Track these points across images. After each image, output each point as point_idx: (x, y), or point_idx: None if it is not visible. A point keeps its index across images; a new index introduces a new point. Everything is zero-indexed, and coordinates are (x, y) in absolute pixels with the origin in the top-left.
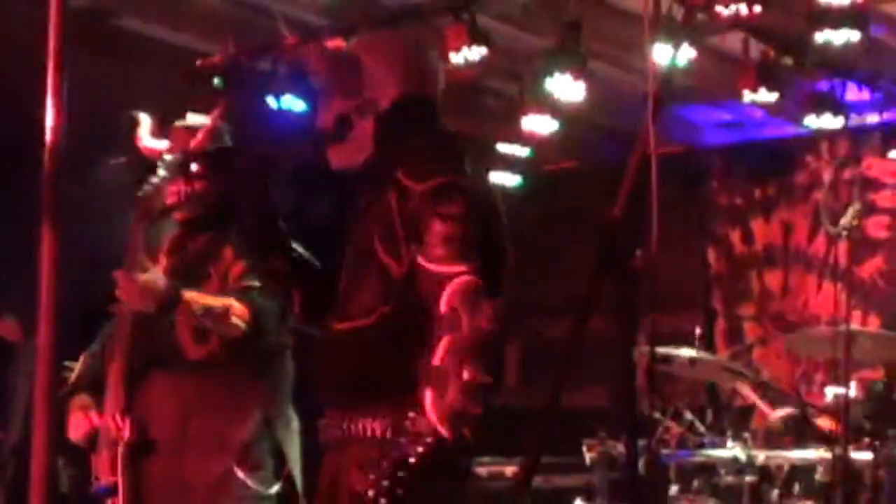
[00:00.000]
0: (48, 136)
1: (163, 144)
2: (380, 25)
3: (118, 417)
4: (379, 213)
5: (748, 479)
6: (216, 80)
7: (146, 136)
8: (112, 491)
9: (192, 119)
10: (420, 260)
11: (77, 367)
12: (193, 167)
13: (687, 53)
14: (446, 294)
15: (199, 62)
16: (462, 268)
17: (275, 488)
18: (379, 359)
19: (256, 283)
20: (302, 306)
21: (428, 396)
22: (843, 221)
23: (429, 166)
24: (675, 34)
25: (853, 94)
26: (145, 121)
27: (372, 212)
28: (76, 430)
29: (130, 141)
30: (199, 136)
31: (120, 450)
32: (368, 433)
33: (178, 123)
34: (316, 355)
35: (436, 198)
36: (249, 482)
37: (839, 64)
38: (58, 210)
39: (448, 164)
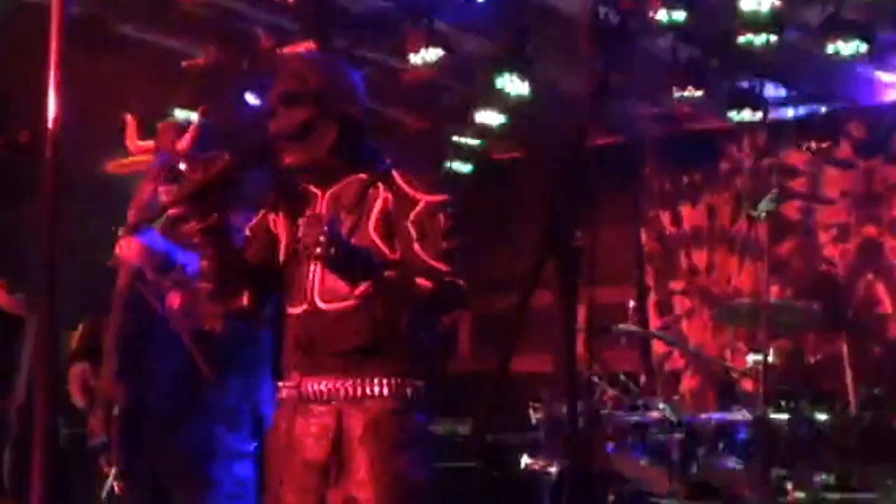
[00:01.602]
0: (49, 129)
1: (149, 143)
2: (347, 30)
3: (113, 381)
4: (367, 207)
5: (677, 436)
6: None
7: (133, 136)
8: (106, 447)
9: (180, 116)
10: (418, 251)
11: (77, 336)
12: (182, 167)
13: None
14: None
15: (184, 63)
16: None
17: (253, 446)
18: (380, 329)
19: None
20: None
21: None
22: (762, 205)
23: (428, 181)
24: (611, 38)
25: (771, 91)
26: (131, 123)
27: (352, 204)
28: (76, 393)
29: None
30: (187, 135)
31: (114, 411)
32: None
33: (167, 122)
34: (307, 328)
35: (443, 210)
36: (232, 441)
37: (759, 64)
38: (57, 197)
39: (441, 183)
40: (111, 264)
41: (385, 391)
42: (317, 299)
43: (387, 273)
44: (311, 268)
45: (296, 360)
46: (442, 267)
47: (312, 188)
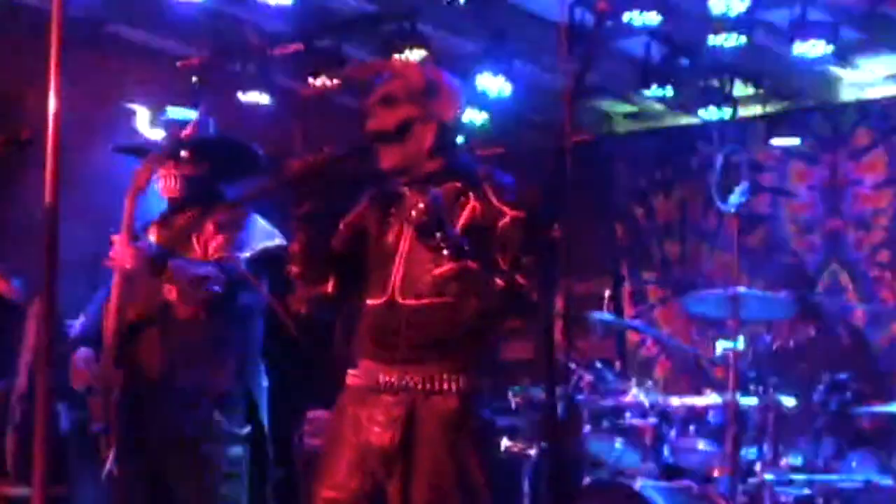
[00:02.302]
0: (50, 124)
1: (156, 133)
2: (334, 31)
3: (112, 365)
4: (456, 214)
5: (650, 420)
6: (193, 79)
7: (143, 125)
8: (106, 431)
9: (181, 113)
10: (499, 259)
11: (79, 323)
12: (183, 154)
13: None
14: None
15: (179, 63)
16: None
17: (246, 430)
18: (455, 327)
19: (237, 254)
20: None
21: None
22: (732, 199)
23: (513, 196)
24: (587, 39)
25: (739, 89)
26: (142, 113)
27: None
28: (77, 379)
29: (129, 129)
30: (189, 128)
31: (113, 396)
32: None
33: (171, 116)
34: (384, 320)
35: (526, 224)
36: (225, 424)
37: (728, 64)
38: (57, 189)
39: (526, 201)
40: (107, 265)
41: (455, 387)
42: (397, 293)
43: (470, 263)
44: (396, 263)
45: (370, 349)
46: (519, 278)
47: (408, 191)
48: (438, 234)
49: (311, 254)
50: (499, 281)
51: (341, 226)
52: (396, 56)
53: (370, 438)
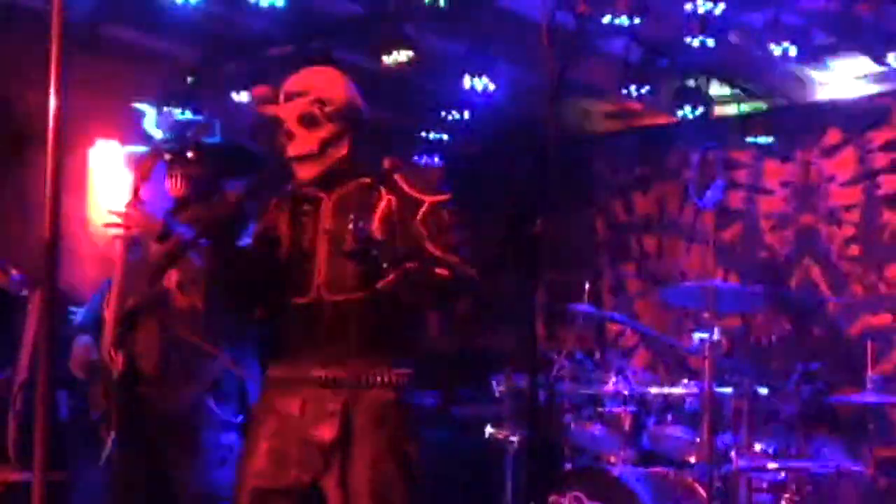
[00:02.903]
0: (51, 122)
1: (161, 132)
2: (323, 34)
3: (112, 352)
4: (371, 210)
5: (629, 408)
6: (190, 79)
7: (150, 124)
8: (105, 417)
9: (187, 114)
10: (430, 247)
11: (81, 312)
12: (189, 154)
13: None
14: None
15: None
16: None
17: (239, 418)
18: (381, 321)
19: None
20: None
21: None
22: (708, 195)
23: (427, 182)
24: (568, 40)
25: (715, 89)
26: (150, 112)
27: (355, 204)
28: (78, 364)
29: (129, 127)
30: (195, 129)
31: (112, 381)
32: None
33: (179, 118)
34: (312, 318)
35: (445, 208)
36: (218, 410)
37: (704, 64)
38: (58, 186)
39: (442, 183)
40: (115, 235)
41: (389, 378)
42: (322, 291)
43: (409, 265)
44: (317, 262)
45: (299, 345)
46: (452, 259)
47: (315, 191)
48: (374, 253)
49: (233, 297)
50: (441, 271)
51: (253, 240)
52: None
53: (309, 431)
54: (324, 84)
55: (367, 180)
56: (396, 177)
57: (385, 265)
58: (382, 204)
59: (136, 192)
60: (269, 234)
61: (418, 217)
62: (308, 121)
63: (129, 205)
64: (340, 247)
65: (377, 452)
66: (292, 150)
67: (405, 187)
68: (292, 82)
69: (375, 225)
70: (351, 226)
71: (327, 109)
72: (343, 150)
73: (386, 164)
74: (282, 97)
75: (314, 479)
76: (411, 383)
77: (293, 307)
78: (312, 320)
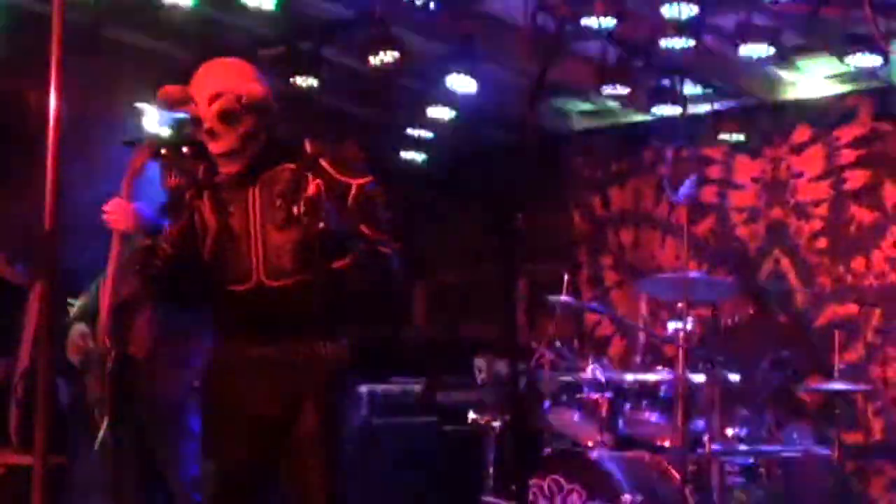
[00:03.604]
0: (51, 120)
1: (162, 129)
2: (314, 35)
3: (106, 340)
4: (299, 195)
5: (606, 395)
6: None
7: (151, 122)
8: (100, 402)
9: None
10: (364, 229)
11: (78, 302)
12: (184, 150)
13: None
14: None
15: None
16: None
17: None
18: (330, 302)
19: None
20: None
21: None
22: (682, 190)
23: (353, 164)
24: (548, 42)
25: (689, 88)
26: (150, 111)
27: (284, 191)
28: (74, 352)
29: (136, 125)
30: (189, 126)
31: (107, 368)
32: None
33: (176, 117)
34: (254, 304)
35: (373, 188)
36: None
37: (678, 64)
38: (58, 181)
39: (368, 167)
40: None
41: (332, 356)
42: (262, 277)
43: (362, 246)
44: (253, 248)
45: (243, 329)
46: (385, 237)
47: (239, 179)
48: (332, 228)
49: (166, 296)
50: (383, 249)
51: (174, 234)
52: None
53: (256, 412)
54: (238, 80)
55: (293, 166)
56: (322, 161)
57: (343, 246)
58: (312, 187)
59: (128, 186)
60: (187, 230)
61: (349, 200)
62: (229, 118)
63: (117, 202)
64: (288, 223)
65: (324, 431)
66: (217, 148)
67: (332, 171)
68: (209, 83)
69: (306, 208)
70: (293, 200)
71: (245, 104)
72: (262, 142)
73: (308, 148)
74: (200, 97)
75: (267, 457)
76: (350, 360)
77: (232, 295)
78: (252, 306)
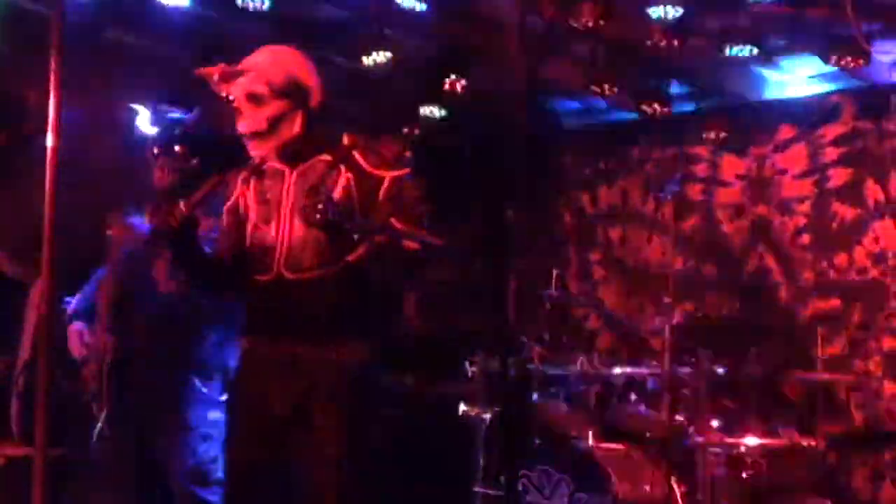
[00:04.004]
0: (51, 120)
1: (154, 130)
2: (308, 35)
3: (105, 336)
4: (330, 187)
5: (594, 387)
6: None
7: (144, 123)
8: (97, 396)
9: (177, 112)
10: (395, 222)
11: (75, 300)
12: (176, 148)
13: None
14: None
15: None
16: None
17: (224, 397)
18: (346, 300)
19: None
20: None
21: None
22: (668, 187)
23: (387, 158)
24: (538, 43)
25: (675, 88)
26: (143, 112)
27: (317, 183)
28: (73, 348)
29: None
30: (183, 125)
31: (105, 362)
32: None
33: (169, 115)
34: (273, 296)
35: (407, 182)
36: (204, 389)
37: (665, 65)
38: (58, 179)
39: (405, 160)
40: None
41: (348, 355)
42: (283, 269)
43: (377, 238)
44: (279, 238)
45: (262, 323)
46: (419, 232)
47: (279, 166)
48: (347, 226)
49: (204, 287)
50: (408, 244)
51: (224, 216)
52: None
53: (273, 410)
54: (270, 62)
55: (328, 158)
56: (356, 153)
57: (355, 238)
58: (342, 181)
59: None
60: (238, 208)
61: (381, 193)
62: (254, 99)
63: (115, 216)
64: (305, 220)
65: (332, 427)
66: (241, 128)
67: (364, 164)
68: (249, 62)
69: (336, 199)
70: (315, 200)
71: (273, 87)
72: (296, 129)
73: (345, 140)
74: (232, 75)
75: (282, 456)
76: (370, 360)
77: (256, 285)
78: (272, 299)
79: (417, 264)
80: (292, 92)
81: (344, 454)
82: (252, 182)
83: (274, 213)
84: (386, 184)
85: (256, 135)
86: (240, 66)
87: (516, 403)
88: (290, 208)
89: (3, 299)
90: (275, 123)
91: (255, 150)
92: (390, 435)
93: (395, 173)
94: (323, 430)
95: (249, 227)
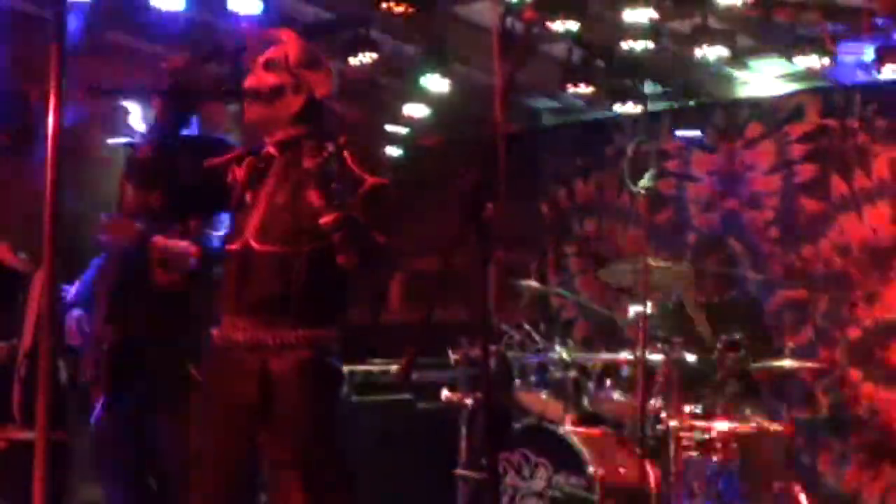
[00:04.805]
0: (51, 119)
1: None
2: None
3: (103, 324)
4: (315, 172)
5: (571, 374)
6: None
7: (136, 120)
8: (95, 382)
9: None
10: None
11: (74, 288)
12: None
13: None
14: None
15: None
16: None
17: None
18: (306, 278)
19: (209, 231)
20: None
21: None
22: (642, 183)
23: (372, 164)
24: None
25: (649, 87)
26: (135, 109)
27: (301, 167)
28: (72, 335)
29: (124, 123)
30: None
31: (103, 349)
32: (296, 341)
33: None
34: (239, 265)
35: (384, 190)
36: (197, 374)
37: (639, 65)
38: (58, 176)
39: (384, 168)
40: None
41: (306, 340)
42: (251, 238)
43: (353, 213)
44: (256, 211)
45: (227, 303)
46: (381, 238)
47: (272, 149)
48: (332, 186)
49: (150, 164)
50: (377, 236)
51: (205, 168)
52: (352, 59)
53: (234, 397)
54: (296, 40)
55: (317, 147)
56: (345, 153)
57: (336, 203)
58: (326, 172)
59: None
60: (214, 173)
61: (358, 194)
62: (271, 65)
63: (107, 219)
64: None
65: (296, 412)
66: (247, 83)
67: (350, 163)
68: (273, 31)
69: (313, 190)
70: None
71: (288, 60)
72: (292, 108)
73: (340, 140)
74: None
75: (249, 441)
76: (331, 343)
77: (228, 254)
78: (240, 270)
79: (379, 260)
80: (302, 73)
81: (307, 440)
82: (245, 161)
83: (257, 192)
84: (365, 186)
85: (256, 95)
86: (269, 35)
87: (497, 390)
88: (273, 189)
89: (8, 287)
90: (276, 94)
91: (249, 114)
92: (375, 420)
93: (376, 180)
94: (285, 415)
95: (234, 200)
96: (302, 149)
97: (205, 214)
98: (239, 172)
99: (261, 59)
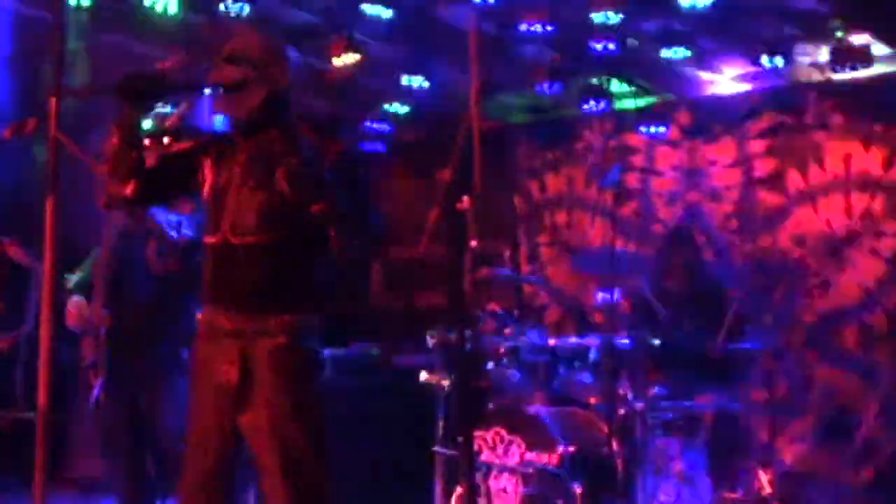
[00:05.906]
0: (51, 122)
1: (146, 123)
2: (285, 39)
3: (101, 310)
4: (281, 158)
5: (542, 358)
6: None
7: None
8: (94, 365)
9: (166, 109)
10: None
11: (75, 277)
12: (165, 140)
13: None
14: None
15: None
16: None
17: None
18: (284, 268)
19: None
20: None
21: None
22: (609, 177)
23: (332, 133)
24: (491, 45)
25: (615, 86)
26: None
27: (268, 154)
28: (71, 320)
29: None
30: (172, 119)
31: (101, 334)
32: (276, 328)
33: (158, 111)
34: (218, 259)
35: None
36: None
37: (606, 64)
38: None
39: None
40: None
41: (283, 326)
42: (228, 233)
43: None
44: (227, 204)
45: (209, 292)
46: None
47: (235, 138)
48: (305, 171)
49: (123, 154)
50: (356, 203)
51: (172, 147)
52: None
53: (218, 381)
54: (256, 35)
55: (280, 136)
56: (304, 140)
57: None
58: (289, 159)
59: None
60: (180, 158)
61: (325, 164)
62: (233, 59)
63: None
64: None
65: (273, 394)
66: (211, 77)
67: (311, 136)
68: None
69: (279, 176)
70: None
71: (249, 52)
72: (254, 101)
73: (297, 117)
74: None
75: (232, 423)
76: (307, 328)
77: (207, 248)
78: (220, 262)
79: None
80: (262, 65)
81: (284, 423)
82: (211, 150)
83: (227, 181)
84: (331, 154)
85: (223, 87)
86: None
87: (472, 372)
88: (241, 176)
89: (14, 282)
90: (239, 84)
91: (216, 104)
92: (357, 401)
93: (339, 146)
94: (263, 398)
95: (205, 191)
96: (269, 138)
97: (171, 200)
98: (206, 161)
99: (223, 53)
